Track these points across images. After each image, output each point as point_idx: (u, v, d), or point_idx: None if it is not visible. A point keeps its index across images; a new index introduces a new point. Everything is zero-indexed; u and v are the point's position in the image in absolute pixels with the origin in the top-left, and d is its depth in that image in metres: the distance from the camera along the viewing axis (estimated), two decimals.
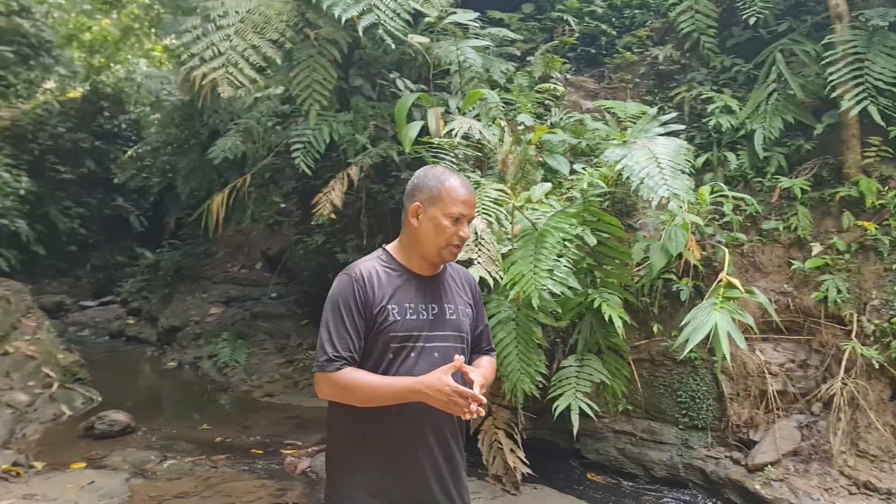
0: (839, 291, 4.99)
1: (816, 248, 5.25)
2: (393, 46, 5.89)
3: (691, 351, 4.82)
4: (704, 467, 4.98)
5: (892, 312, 4.83)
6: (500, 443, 4.82)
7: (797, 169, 5.78)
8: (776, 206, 5.63)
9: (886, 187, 5.28)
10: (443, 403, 2.15)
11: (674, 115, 5.52)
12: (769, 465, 4.76)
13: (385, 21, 5.70)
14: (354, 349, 2.25)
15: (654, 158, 4.64)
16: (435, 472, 2.31)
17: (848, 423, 4.75)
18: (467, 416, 2.14)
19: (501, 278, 4.45)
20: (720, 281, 4.64)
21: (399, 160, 6.33)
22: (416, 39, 6.21)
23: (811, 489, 4.57)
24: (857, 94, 5.21)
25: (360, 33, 5.76)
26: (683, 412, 5.19)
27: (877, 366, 4.76)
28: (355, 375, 2.22)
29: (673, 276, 5.26)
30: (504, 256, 4.65)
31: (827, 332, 5.08)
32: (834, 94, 5.39)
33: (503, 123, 5.61)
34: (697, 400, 5.16)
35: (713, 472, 4.93)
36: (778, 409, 4.97)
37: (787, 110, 5.81)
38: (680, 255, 5.03)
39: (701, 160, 5.85)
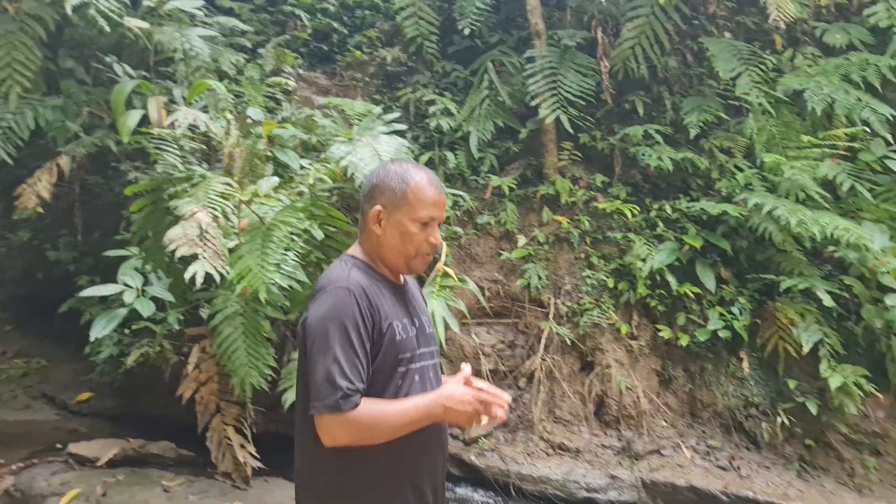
0: (539, 278, 5.64)
1: (521, 239, 5.88)
2: (107, 28, 5.53)
3: None
4: None
5: (580, 295, 5.57)
6: (229, 439, 4.79)
7: (506, 168, 6.42)
8: (489, 202, 6.20)
9: (577, 186, 6.06)
10: (466, 416, 1.93)
11: (398, 114, 5.84)
12: (482, 438, 5.26)
13: (97, 0, 5.34)
14: (366, 378, 1.90)
15: (377, 155, 4.89)
16: None
17: (546, 394, 5.41)
18: (492, 422, 1.95)
19: (228, 273, 4.42)
20: (438, 271, 5.02)
21: (118, 150, 5.96)
22: (135, 23, 5.86)
23: (517, 454, 5.14)
24: (552, 104, 5.92)
25: (69, 11, 5.33)
26: None
27: (569, 342, 5.46)
28: (374, 408, 1.88)
29: None
30: (230, 251, 4.61)
31: (530, 314, 5.72)
32: (534, 103, 6.06)
33: (230, 116, 5.53)
34: None
35: None
36: None
37: (497, 115, 6.42)
38: None
39: (424, 158, 6.25)
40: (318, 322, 1.90)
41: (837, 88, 5.48)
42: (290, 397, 4.73)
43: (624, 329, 5.35)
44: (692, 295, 5.31)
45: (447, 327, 4.80)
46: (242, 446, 4.81)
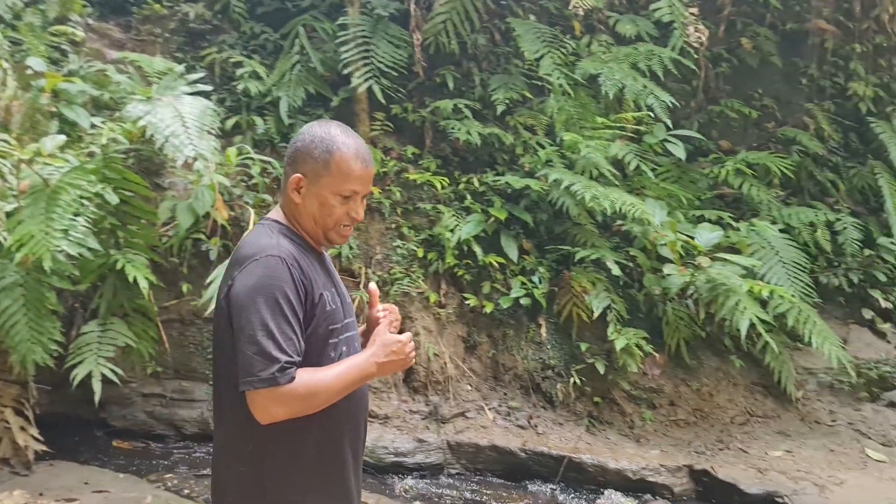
0: (350, 248, 5.63)
1: None
2: None
3: None
4: None
5: (390, 265, 5.64)
6: (7, 422, 4.34)
7: None
8: None
9: (388, 157, 6.10)
10: (399, 364, 1.92)
11: (203, 75, 5.53)
12: None
13: None
14: (300, 350, 1.78)
15: (179, 117, 4.61)
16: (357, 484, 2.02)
17: None
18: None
19: (5, 239, 3.99)
20: None
21: None
22: None
23: None
24: (364, 74, 5.89)
25: None
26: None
27: None
28: (310, 378, 1.77)
29: (202, 236, 5.32)
30: (8, 215, 4.17)
31: (343, 284, 5.69)
32: (346, 71, 6.00)
33: (6, 65, 4.95)
34: None
35: None
36: None
37: (309, 81, 6.27)
38: (208, 215, 5.10)
39: (230, 123, 5.98)
40: (247, 293, 1.76)
41: (627, 75, 5.95)
42: (80, 373, 4.38)
43: (433, 297, 5.50)
44: (497, 265, 5.56)
45: None
46: (23, 429, 4.39)
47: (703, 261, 5.31)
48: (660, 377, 5.45)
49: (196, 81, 5.18)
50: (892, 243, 6.60)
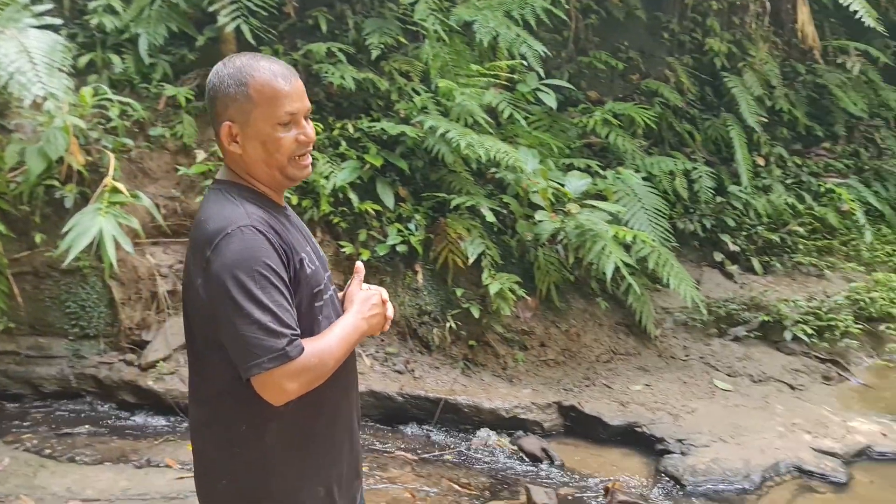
0: None
1: (200, 155, 5.57)
2: None
3: (80, 259, 4.70)
4: (97, 374, 4.97)
5: None
6: None
7: (182, 78, 5.97)
8: (163, 113, 5.74)
9: None
10: (380, 322, 1.84)
11: (50, 6, 5.07)
12: (161, 361, 5.01)
13: None
14: (296, 320, 1.64)
15: (25, 52, 4.24)
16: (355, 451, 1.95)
17: None
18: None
19: None
20: (105, 186, 4.57)
21: None
22: None
23: None
24: (231, 12, 5.59)
25: None
26: (74, 323, 5.04)
27: None
28: (315, 346, 1.65)
29: (56, 182, 4.96)
30: None
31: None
32: (212, 9, 5.68)
33: None
34: (88, 309, 5.07)
35: (107, 376, 4.96)
36: (169, 308, 5.23)
37: (171, 18, 5.89)
38: (62, 160, 4.75)
39: (84, 60, 5.55)
40: (228, 271, 1.60)
41: (501, 23, 5.98)
42: None
43: None
44: (373, 212, 5.53)
45: (118, 247, 4.42)
46: None
47: (573, 207, 5.52)
48: (531, 320, 5.66)
49: (43, 14, 4.75)
50: (740, 191, 7.11)
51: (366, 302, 1.82)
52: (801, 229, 7.25)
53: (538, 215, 5.50)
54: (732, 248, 6.93)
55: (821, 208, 7.42)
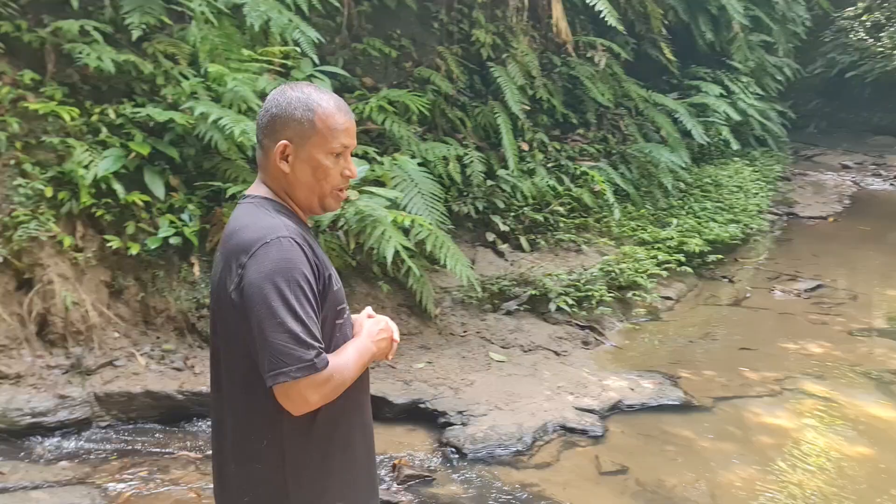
0: None
1: None
2: None
3: None
4: None
5: (12, 207, 4.97)
6: None
7: None
8: None
9: (1, 83, 5.29)
10: (388, 345, 1.92)
11: None
12: None
13: None
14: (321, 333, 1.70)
15: None
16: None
17: None
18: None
19: None
20: None
21: None
22: None
23: None
24: None
25: None
26: None
27: (1, 259, 4.86)
28: (337, 361, 1.71)
29: None
30: None
31: None
32: None
33: None
34: None
35: None
36: None
37: None
38: None
39: None
40: (266, 278, 1.64)
41: (272, 7, 5.88)
42: None
43: (67, 241, 4.99)
44: (141, 203, 5.22)
45: None
46: None
47: (352, 194, 5.59)
48: None
49: None
50: (508, 174, 7.62)
51: (374, 326, 1.91)
52: (561, 209, 7.95)
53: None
54: (503, 228, 7.43)
55: (577, 189, 8.18)
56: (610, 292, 6.97)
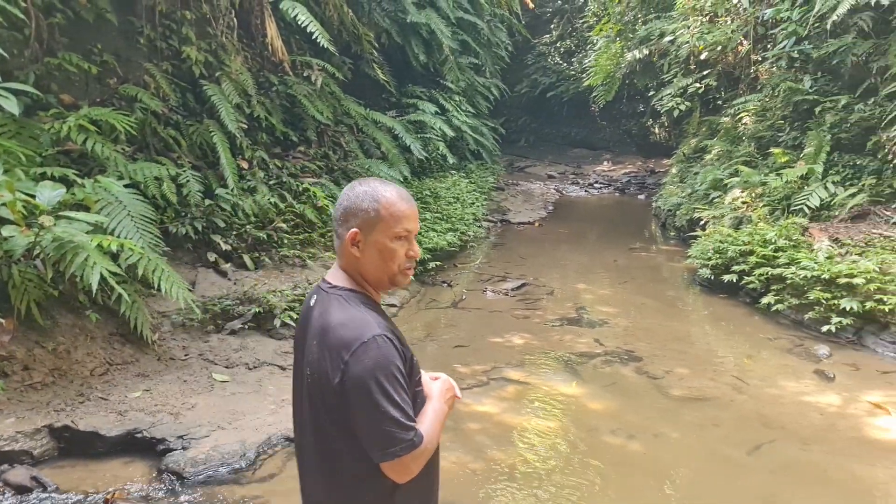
0: None
1: None
2: None
3: None
4: None
5: None
6: None
7: None
8: None
9: None
10: (453, 401, 2.21)
11: None
12: None
13: None
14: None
15: None
16: None
17: None
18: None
19: None
20: None
21: None
22: None
23: None
24: None
25: None
26: None
27: None
28: (426, 431, 2.00)
29: None
30: None
31: None
32: None
33: None
34: None
35: None
36: None
37: None
38: None
39: None
40: (367, 375, 1.91)
41: None
42: None
43: None
44: None
45: None
46: None
47: (46, 220, 5.21)
48: (10, 343, 5.20)
49: None
50: (227, 193, 7.56)
51: (442, 387, 2.20)
52: (284, 225, 8.05)
53: (6, 230, 5.06)
54: (225, 247, 7.35)
55: (300, 205, 8.33)
56: None
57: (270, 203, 7.96)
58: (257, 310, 6.67)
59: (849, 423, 5.44)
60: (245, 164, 8.14)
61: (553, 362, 6.81)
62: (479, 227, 12.87)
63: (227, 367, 6.01)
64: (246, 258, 7.45)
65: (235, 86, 8.10)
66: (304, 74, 9.32)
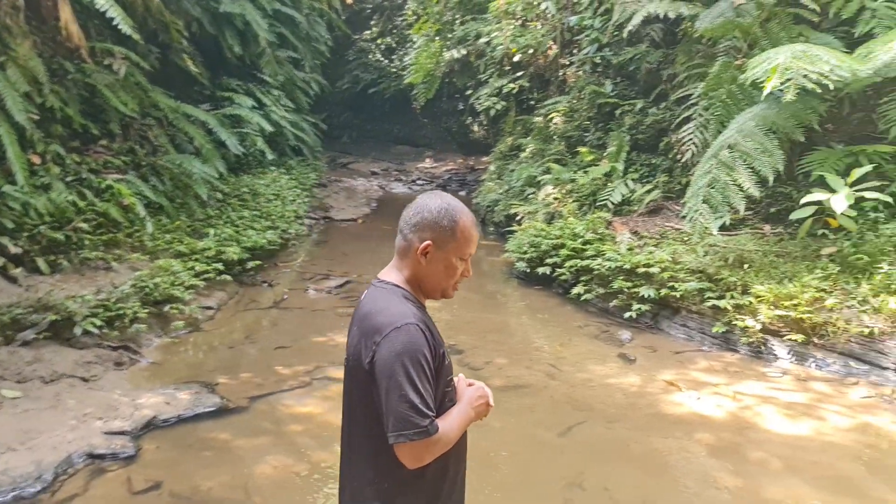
0: None
1: None
2: None
3: None
4: None
5: None
6: None
7: None
8: None
9: None
10: (485, 408, 2.26)
11: None
12: None
13: None
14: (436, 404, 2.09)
15: None
16: None
17: None
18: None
19: None
20: None
21: None
22: None
23: None
24: None
25: None
26: None
27: None
28: (444, 426, 2.07)
29: None
30: None
31: None
32: None
33: None
34: None
35: None
36: None
37: None
38: None
39: None
40: (394, 357, 1.99)
41: None
42: None
43: None
44: None
45: None
46: None
47: None
48: None
49: None
50: (16, 191, 6.86)
51: (474, 393, 2.25)
52: (85, 225, 7.43)
53: None
54: (14, 250, 6.66)
55: (103, 204, 7.74)
56: (145, 308, 6.77)
57: (68, 201, 7.32)
58: (54, 318, 6.11)
59: (647, 401, 5.90)
60: (37, 159, 7.42)
61: None
62: (301, 224, 12.63)
63: (18, 383, 5.45)
64: (40, 261, 6.79)
65: (24, 72, 7.36)
66: (106, 63, 8.65)
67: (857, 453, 5.06)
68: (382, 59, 25.66)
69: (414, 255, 2.17)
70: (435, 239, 2.15)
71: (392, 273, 2.23)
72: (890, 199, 7.00)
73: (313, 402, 5.82)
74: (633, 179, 10.20)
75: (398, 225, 2.22)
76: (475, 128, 23.49)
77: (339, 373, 6.39)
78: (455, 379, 2.30)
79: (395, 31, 25.52)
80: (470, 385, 2.30)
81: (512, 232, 10.82)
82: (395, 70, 24.65)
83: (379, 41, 25.95)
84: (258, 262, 9.42)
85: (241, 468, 4.80)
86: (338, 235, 13.06)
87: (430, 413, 2.01)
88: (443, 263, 2.17)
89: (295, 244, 11.60)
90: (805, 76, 6.47)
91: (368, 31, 26.04)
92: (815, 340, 6.51)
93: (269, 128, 12.86)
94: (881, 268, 6.59)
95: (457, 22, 17.95)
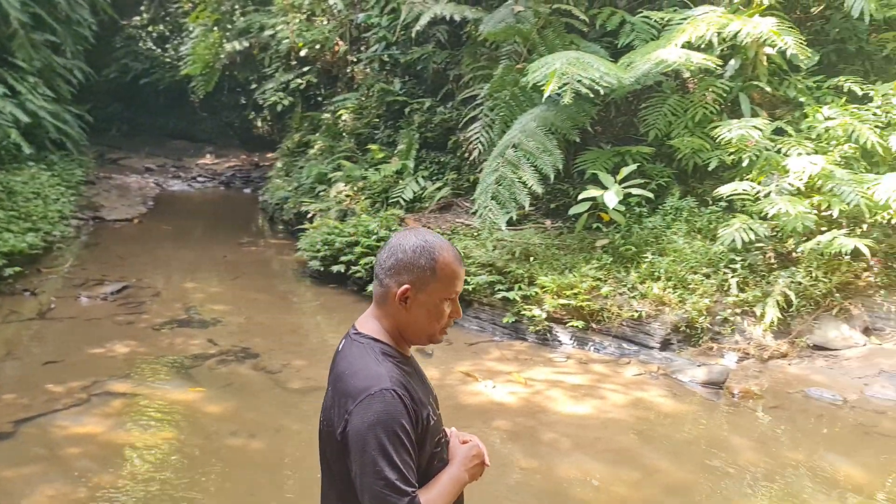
0: None
1: None
2: None
3: None
4: None
5: None
6: None
7: None
8: None
9: None
10: (479, 469, 2.06)
11: None
12: None
13: None
14: (417, 475, 1.86)
15: None
16: None
17: None
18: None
19: None
20: None
21: None
22: None
23: None
24: None
25: None
26: None
27: None
28: (427, 498, 1.85)
29: None
30: None
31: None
32: None
33: None
34: None
35: None
36: None
37: None
38: None
39: None
40: (367, 430, 1.80)
41: None
42: None
43: None
44: None
45: None
46: None
47: None
48: None
49: None
50: None
51: (468, 453, 2.03)
52: None
53: None
54: None
55: None
56: None
57: None
58: None
59: (447, 393, 6.05)
60: None
61: (164, 368, 6.35)
62: (68, 225, 11.47)
63: None
64: None
65: None
66: None
67: (632, 426, 5.56)
68: (155, 47, 24.02)
69: (392, 301, 1.94)
70: (414, 281, 1.93)
71: (369, 323, 2.00)
72: (651, 195, 7.78)
73: (93, 420, 5.30)
74: (423, 177, 10.42)
75: (374, 270, 2.01)
76: (259, 123, 22.76)
77: (123, 386, 5.96)
78: (448, 432, 2.10)
79: (168, 18, 23.99)
80: (465, 442, 2.08)
81: (303, 230, 10.59)
82: (169, 60, 23.17)
83: (150, 28, 24.25)
84: (17, 269, 8.41)
85: (8, 503, 4.24)
86: (111, 237, 12.01)
87: (409, 489, 1.81)
88: (425, 308, 1.95)
89: (61, 247, 10.50)
90: (580, 81, 6.99)
91: (138, 17, 24.25)
92: (594, 325, 7.07)
93: (25, 118, 11.53)
94: (646, 257, 7.29)
95: (237, 12, 17.25)
